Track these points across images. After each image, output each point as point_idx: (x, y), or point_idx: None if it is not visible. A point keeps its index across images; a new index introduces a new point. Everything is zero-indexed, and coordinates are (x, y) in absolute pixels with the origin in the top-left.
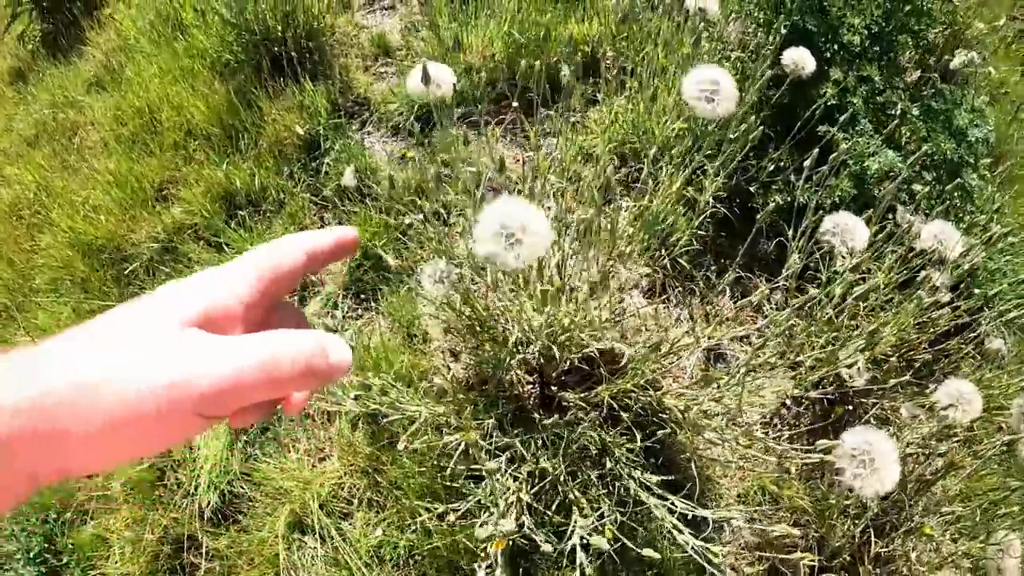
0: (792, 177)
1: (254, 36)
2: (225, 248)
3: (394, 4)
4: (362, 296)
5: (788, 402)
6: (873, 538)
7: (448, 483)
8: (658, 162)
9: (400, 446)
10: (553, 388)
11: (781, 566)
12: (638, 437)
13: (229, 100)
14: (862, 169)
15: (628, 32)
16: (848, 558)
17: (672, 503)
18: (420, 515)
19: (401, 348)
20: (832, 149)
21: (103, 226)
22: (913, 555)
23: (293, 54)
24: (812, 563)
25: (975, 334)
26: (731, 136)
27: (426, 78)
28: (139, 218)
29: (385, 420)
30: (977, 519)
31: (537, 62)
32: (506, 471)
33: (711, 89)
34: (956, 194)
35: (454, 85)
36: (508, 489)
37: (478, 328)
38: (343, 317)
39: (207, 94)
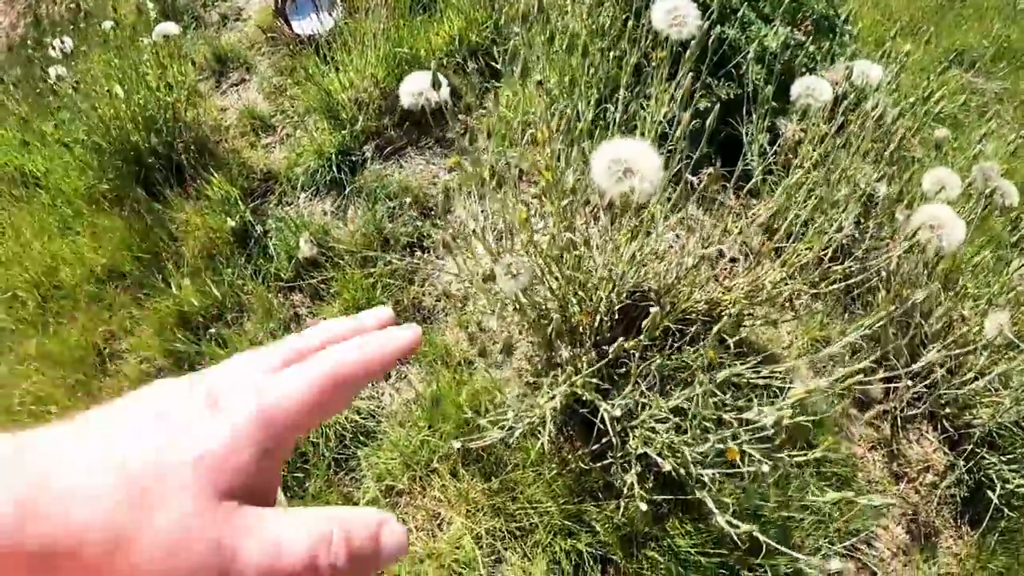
0: (710, 80)
1: (129, 154)
2: None
3: (243, 78)
4: None
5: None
6: (923, 323)
7: (585, 466)
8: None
9: (541, 446)
10: (606, 348)
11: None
12: (729, 341)
13: (130, 227)
14: (763, 49)
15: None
16: (908, 356)
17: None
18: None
19: (458, 380)
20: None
21: (60, 415)
22: (966, 311)
23: (182, 156)
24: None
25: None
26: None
27: (437, 83)
28: (93, 389)
29: (513, 439)
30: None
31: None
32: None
33: (680, 14)
34: (836, 42)
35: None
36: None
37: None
38: (372, 384)
39: (104, 230)
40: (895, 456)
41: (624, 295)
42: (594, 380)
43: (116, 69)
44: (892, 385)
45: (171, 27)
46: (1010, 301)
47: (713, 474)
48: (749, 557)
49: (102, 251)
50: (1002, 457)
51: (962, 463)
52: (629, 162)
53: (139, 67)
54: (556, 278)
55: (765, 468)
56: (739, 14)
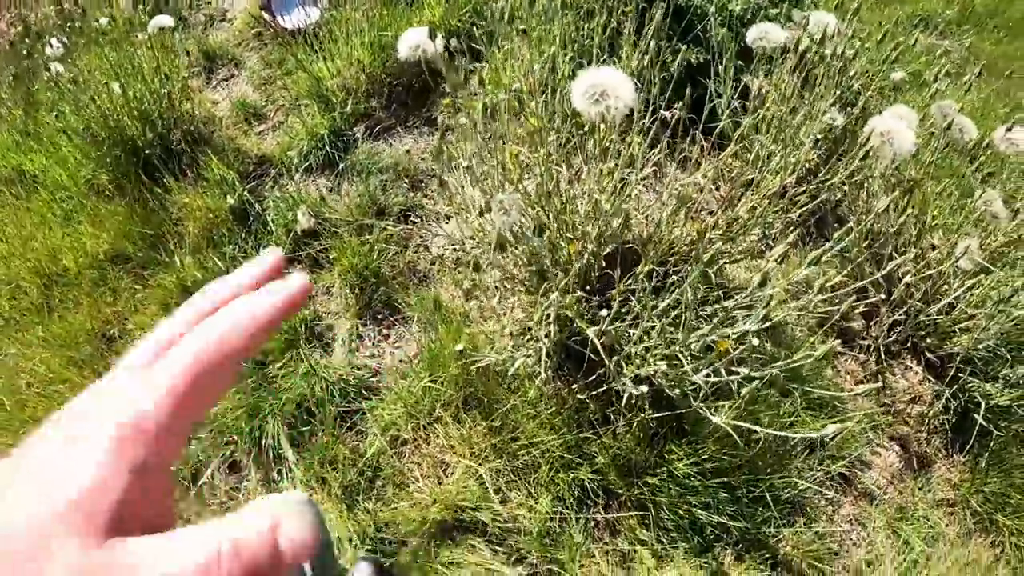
0: (678, 44)
1: (127, 145)
2: None
3: (232, 74)
4: (379, 317)
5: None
6: (895, 255)
7: (582, 396)
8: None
9: (538, 387)
10: (596, 299)
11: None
12: (710, 272)
13: (132, 212)
14: (729, 14)
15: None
16: (885, 286)
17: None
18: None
19: (457, 329)
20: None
21: (73, 394)
22: (936, 240)
23: (178, 146)
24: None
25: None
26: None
27: (433, 35)
28: (101, 368)
29: (511, 371)
30: (955, 194)
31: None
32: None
33: None
34: (798, 6)
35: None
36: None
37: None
38: (373, 344)
39: (105, 217)
40: (882, 388)
41: (609, 245)
42: (583, 294)
43: (112, 63)
44: (872, 300)
45: (166, 19)
46: (977, 228)
47: (707, 375)
48: (747, 477)
49: (104, 236)
50: (985, 381)
51: (947, 391)
52: (605, 86)
53: (134, 59)
54: (545, 224)
55: (755, 342)
56: None
